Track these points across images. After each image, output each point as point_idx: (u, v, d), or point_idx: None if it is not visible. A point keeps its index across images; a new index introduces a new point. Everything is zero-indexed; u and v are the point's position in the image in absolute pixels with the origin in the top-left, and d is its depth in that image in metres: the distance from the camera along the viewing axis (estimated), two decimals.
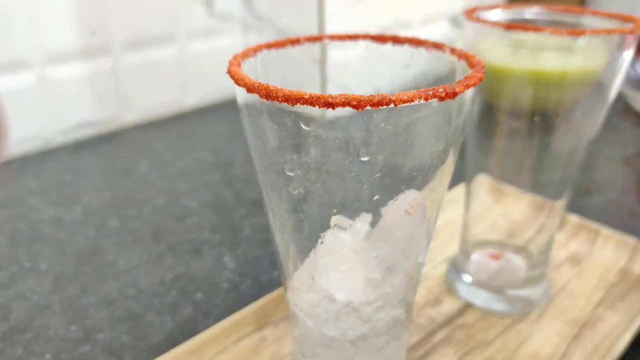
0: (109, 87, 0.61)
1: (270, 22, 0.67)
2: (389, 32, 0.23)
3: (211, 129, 0.64)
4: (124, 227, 0.43)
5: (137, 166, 0.54)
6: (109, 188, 0.50)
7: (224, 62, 0.69)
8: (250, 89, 0.17)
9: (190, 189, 0.49)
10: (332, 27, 0.61)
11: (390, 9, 0.67)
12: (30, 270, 0.38)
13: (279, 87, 0.16)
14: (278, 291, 0.35)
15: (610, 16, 0.29)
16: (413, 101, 0.15)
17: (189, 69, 0.67)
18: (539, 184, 0.32)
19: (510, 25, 0.26)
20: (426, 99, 0.15)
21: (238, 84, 0.17)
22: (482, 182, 0.33)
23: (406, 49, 0.22)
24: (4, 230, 0.43)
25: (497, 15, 0.32)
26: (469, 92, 0.17)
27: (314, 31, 0.61)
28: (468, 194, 0.34)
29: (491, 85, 0.30)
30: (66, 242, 0.41)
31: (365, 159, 0.17)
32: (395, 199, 0.18)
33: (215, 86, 0.71)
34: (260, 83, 0.16)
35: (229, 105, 0.71)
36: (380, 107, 0.15)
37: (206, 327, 0.32)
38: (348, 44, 0.23)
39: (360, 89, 0.26)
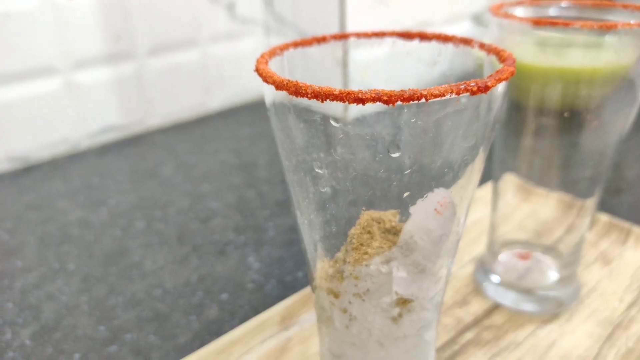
0: (134, 92, 0.62)
1: (291, 25, 0.67)
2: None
3: (234, 131, 0.64)
4: (150, 228, 0.44)
5: (162, 169, 0.55)
6: (134, 190, 0.50)
7: (247, 65, 0.70)
8: (279, 86, 0.17)
9: (214, 191, 0.50)
10: (354, 28, 0.60)
11: (411, 9, 0.67)
12: (59, 271, 0.39)
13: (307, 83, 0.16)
14: (303, 291, 0.34)
15: None
16: (444, 96, 0.15)
17: (212, 72, 0.68)
18: (568, 183, 0.31)
19: (539, 21, 0.26)
20: (458, 93, 0.15)
21: (267, 82, 0.17)
22: (510, 181, 0.33)
23: (433, 45, 0.22)
24: (34, 232, 0.44)
25: (522, 12, 0.32)
26: (501, 87, 0.17)
27: (335, 32, 0.61)
28: (495, 193, 0.34)
29: (518, 83, 0.30)
30: (93, 243, 0.42)
31: (395, 155, 0.17)
32: (424, 196, 0.18)
33: (237, 89, 0.71)
34: (289, 80, 0.16)
35: (252, 108, 0.71)
36: (411, 102, 0.15)
37: (232, 327, 0.32)
38: (374, 41, 0.23)
39: (386, 88, 0.26)
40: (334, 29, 0.61)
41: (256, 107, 0.71)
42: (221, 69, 0.69)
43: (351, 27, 0.60)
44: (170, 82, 0.64)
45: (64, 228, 0.44)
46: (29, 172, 0.54)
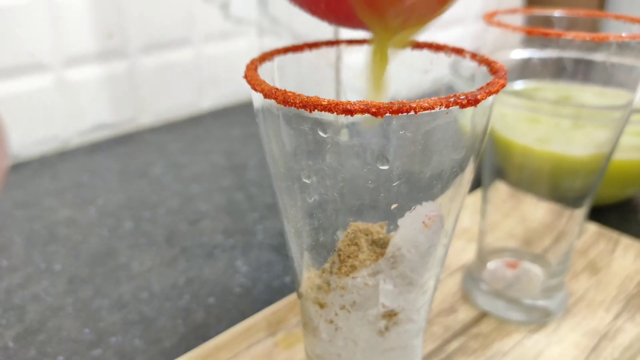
0: (125, 90, 0.61)
1: (285, 26, 0.67)
2: None
3: (226, 132, 0.64)
4: (138, 229, 0.43)
5: (152, 168, 0.54)
6: (123, 190, 0.50)
7: (240, 65, 0.69)
8: (267, 94, 0.16)
9: (204, 192, 0.49)
10: (348, 30, 0.60)
11: None
12: (45, 272, 0.38)
13: (296, 92, 0.16)
14: (291, 297, 0.34)
15: (634, 20, 0.28)
16: (434, 108, 0.15)
17: (205, 71, 0.67)
18: (558, 193, 0.31)
19: (531, 30, 0.26)
20: (447, 106, 0.15)
21: (255, 89, 0.17)
22: (499, 189, 0.33)
23: (425, 53, 0.22)
24: (20, 230, 0.43)
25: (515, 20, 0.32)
26: (491, 99, 0.17)
27: (329, 34, 0.61)
28: (484, 201, 0.34)
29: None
30: (81, 243, 0.42)
31: (384, 167, 0.17)
32: (412, 209, 0.18)
33: (230, 89, 0.71)
34: (277, 88, 0.16)
35: (244, 108, 0.71)
36: (400, 114, 0.15)
37: (218, 332, 0.32)
38: (366, 48, 0.23)
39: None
40: (328, 31, 0.61)
41: (248, 108, 0.71)
42: (214, 69, 0.68)
43: (345, 29, 0.60)
44: (163, 80, 0.64)
45: (51, 227, 0.44)
46: (17, 169, 0.54)
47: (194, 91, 0.68)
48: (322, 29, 0.62)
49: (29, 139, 0.56)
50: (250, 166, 0.55)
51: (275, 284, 0.37)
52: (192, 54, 0.66)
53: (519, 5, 0.82)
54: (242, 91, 0.72)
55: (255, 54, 0.76)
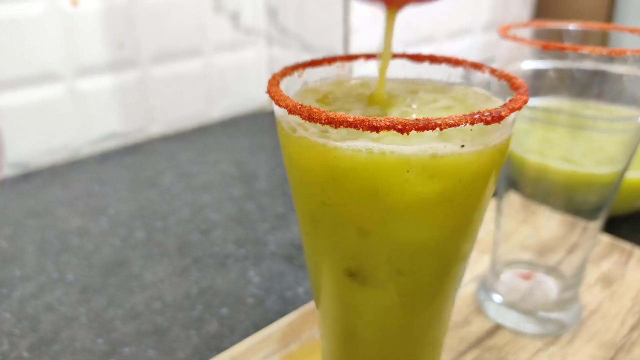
0: (136, 99, 0.62)
1: (295, 36, 0.67)
2: (413, 47, 0.23)
3: (235, 141, 0.64)
4: (150, 239, 0.44)
5: (162, 178, 0.54)
6: (134, 199, 0.50)
7: (249, 75, 0.69)
8: (292, 110, 0.16)
9: (214, 202, 0.50)
10: (357, 41, 0.61)
11: (414, 24, 0.67)
12: (58, 281, 0.38)
13: (321, 109, 0.16)
14: (304, 307, 0.34)
15: None
16: (459, 125, 0.15)
17: (214, 81, 0.68)
18: (572, 206, 0.31)
19: (547, 44, 0.26)
20: (472, 122, 0.15)
21: (279, 105, 0.17)
22: (513, 200, 0.33)
23: (443, 68, 0.22)
24: (33, 240, 0.43)
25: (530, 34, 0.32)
26: (513, 115, 0.17)
27: (338, 45, 0.61)
28: (498, 212, 0.34)
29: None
30: (93, 253, 0.42)
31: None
32: None
33: (239, 99, 0.71)
34: (302, 105, 0.16)
35: (253, 118, 0.71)
36: (425, 131, 0.15)
37: (232, 342, 0.32)
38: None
39: None
40: (338, 42, 0.61)
41: (257, 117, 0.71)
42: (224, 79, 0.69)
43: (354, 39, 0.61)
44: (173, 90, 0.64)
45: (63, 236, 0.44)
46: (28, 179, 0.54)
47: (203, 101, 0.68)
48: (331, 40, 0.62)
49: (40, 148, 0.56)
50: (260, 176, 0.55)
51: (288, 295, 0.37)
52: (202, 64, 0.66)
53: (526, 15, 0.83)
54: (251, 101, 0.73)
55: (264, 64, 0.76)
